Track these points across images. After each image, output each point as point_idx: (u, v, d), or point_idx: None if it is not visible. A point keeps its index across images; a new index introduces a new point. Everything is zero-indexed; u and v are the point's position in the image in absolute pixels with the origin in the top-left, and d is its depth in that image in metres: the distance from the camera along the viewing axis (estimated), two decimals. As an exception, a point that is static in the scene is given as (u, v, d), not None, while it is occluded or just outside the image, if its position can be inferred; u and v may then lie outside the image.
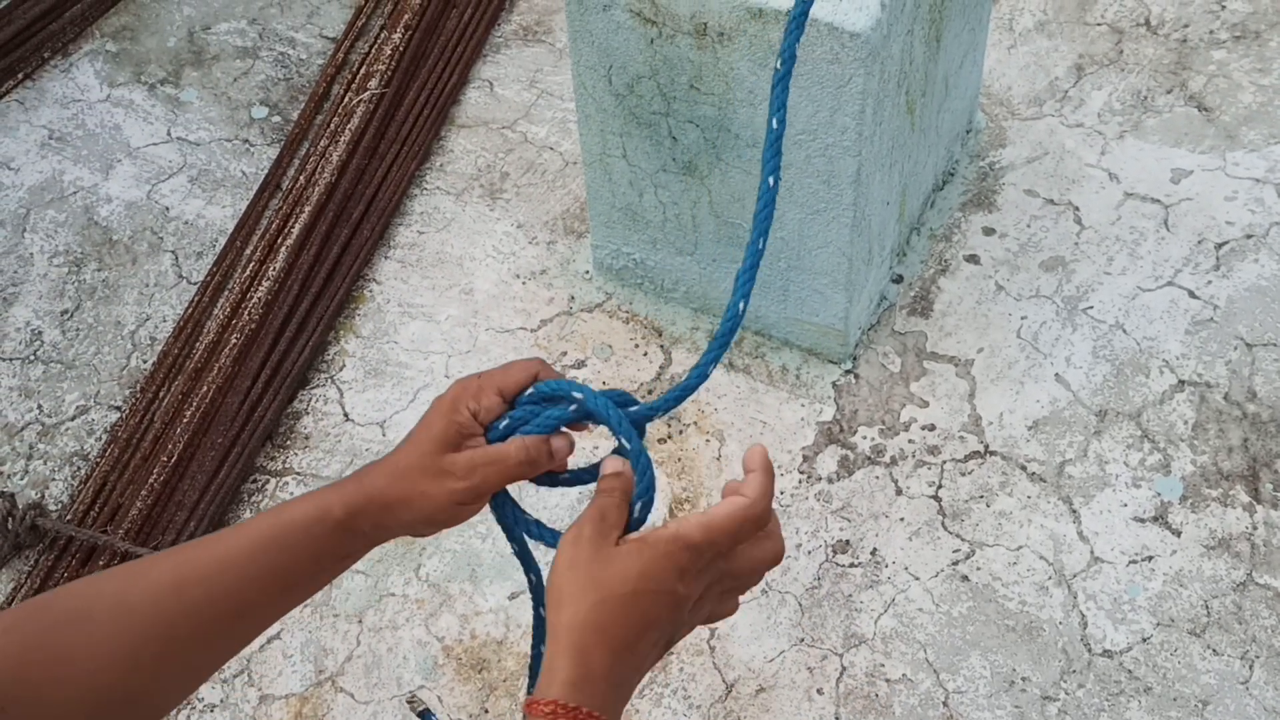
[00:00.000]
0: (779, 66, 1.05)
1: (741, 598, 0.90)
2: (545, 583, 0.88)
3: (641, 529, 0.89)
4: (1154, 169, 2.49)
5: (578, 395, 0.93)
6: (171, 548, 0.90)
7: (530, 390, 0.95)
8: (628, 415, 0.94)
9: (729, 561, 0.85)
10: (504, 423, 0.94)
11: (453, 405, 0.92)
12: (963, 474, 2.10)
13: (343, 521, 0.89)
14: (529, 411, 0.94)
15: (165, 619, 0.83)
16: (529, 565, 1.03)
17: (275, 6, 3.01)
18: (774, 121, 1.06)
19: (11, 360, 2.39)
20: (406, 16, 2.85)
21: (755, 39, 1.84)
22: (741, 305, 1.00)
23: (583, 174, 2.27)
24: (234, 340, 2.32)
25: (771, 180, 1.05)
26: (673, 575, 0.81)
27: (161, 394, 2.29)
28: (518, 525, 0.99)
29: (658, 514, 2.09)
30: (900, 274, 2.37)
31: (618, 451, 0.95)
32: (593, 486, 0.94)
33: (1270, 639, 1.90)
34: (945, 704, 1.87)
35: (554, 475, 0.98)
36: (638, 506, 0.93)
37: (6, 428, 2.29)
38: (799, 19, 1.03)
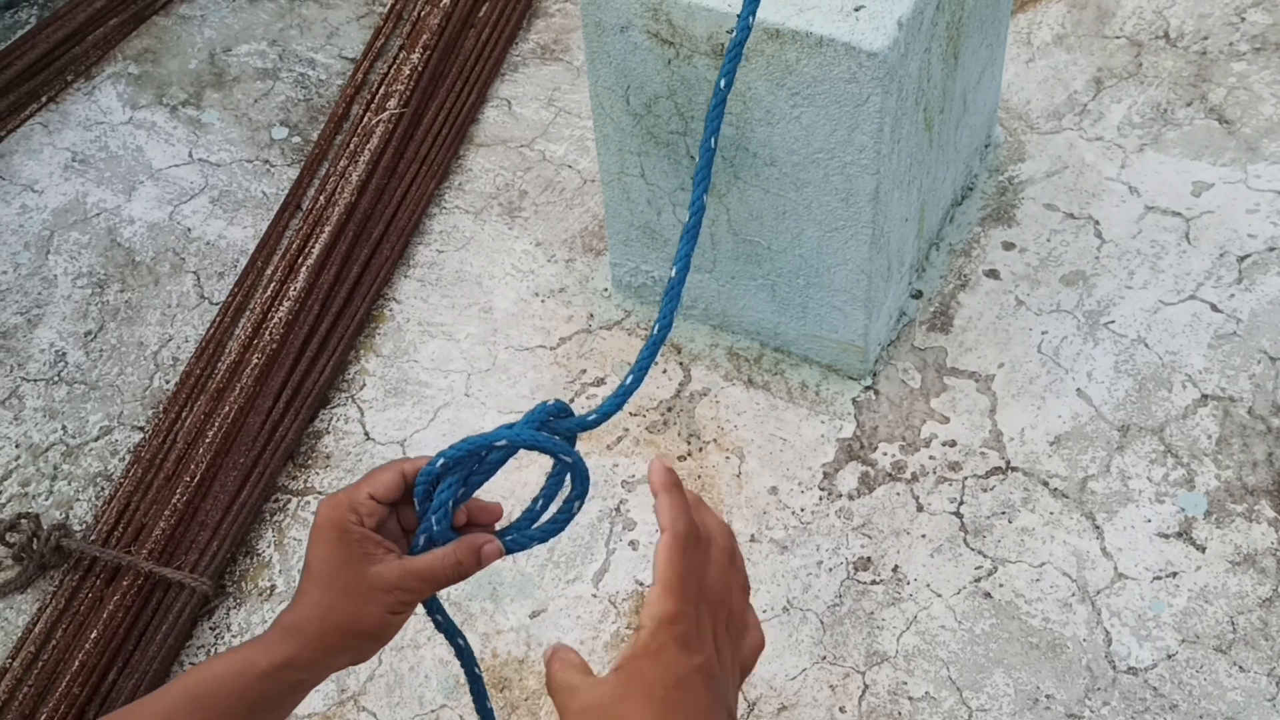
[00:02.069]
0: (721, 86, 1.11)
1: (759, 626, 0.87)
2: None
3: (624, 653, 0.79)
4: (1175, 182, 2.48)
5: (501, 443, 0.93)
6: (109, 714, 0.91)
7: (442, 461, 0.93)
8: (564, 427, 0.97)
9: (710, 598, 0.80)
10: (444, 493, 0.94)
11: (340, 528, 0.90)
12: (984, 490, 2.10)
13: (268, 672, 0.89)
14: (454, 480, 0.94)
15: None
16: (453, 633, 1.08)
17: (295, 28, 3.03)
18: (711, 142, 1.11)
19: (36, 381, 2.41)
20: (425, 36, 2.87)
21: (772, 59, 1.85)
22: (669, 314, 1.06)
23: (601, 192, 2.27)
24: (255, 360, 2.34)
25: (704, 199, 1.12)
26: (678, 654, 0.75)
27: (184, 414, 2.30)
28: (438, 612, 1.05)
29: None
30: (920, 289, 2.36)
31: (560, 466, 0.97)
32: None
33: (1297, 656, 1.89)
34: (969, 722, 1.86)
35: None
36: (575, 505, 0.98)
37: (31, 448, 2.31)
38: (737, 47, 1.10)
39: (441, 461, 0.93)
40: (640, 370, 1.05)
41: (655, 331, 1.05)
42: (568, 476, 0.99)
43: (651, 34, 1.93)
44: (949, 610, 1.97)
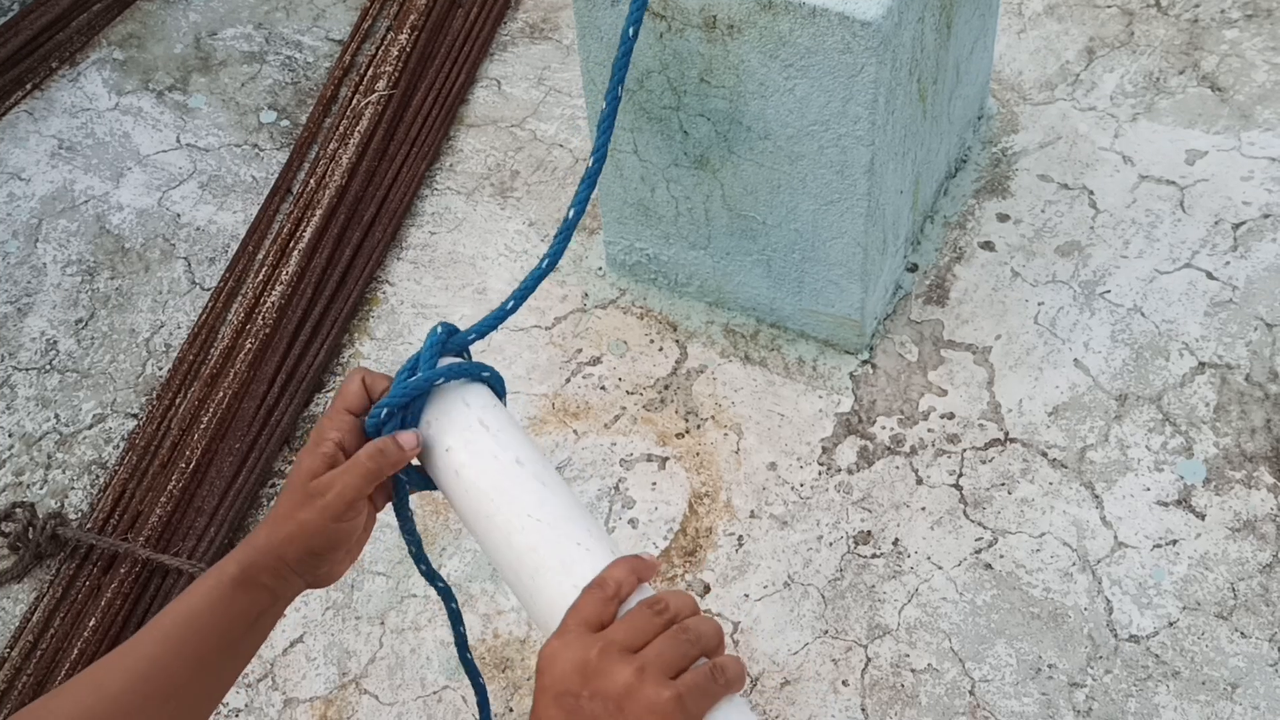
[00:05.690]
0: (630, 34, 1.45)
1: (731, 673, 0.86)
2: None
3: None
4: (1168, 151, 2.47)
5: (439, 382, 1.02)
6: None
7: (386, 410, 0.99)
8: (455, 344, 1.06)
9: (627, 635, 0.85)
10: (374, 419, 0.99)
11: (315, 442, 0.97)
12: (983, 462, 2.09)
13: (238, 578, 0.92)
14: (394, 425, 1.00)
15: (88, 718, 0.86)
16: (434, 578, 1.14)
17: (281, 10, 3.01)
18: (630, 31, 1.42)
19: (28, 370, 2.39)
20: (413, 17, 2.85)
21: (765, 31, 1.83)
22: (572, 213, 1.21)
23: (594, 170, 2.26)
24: (249, 345, 2.32)
25: (619, 89, 1.40)
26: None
27: (178, 400, 2.29)
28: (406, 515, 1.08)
29: (676, 509, 2.08)
30: (915, 262, 2.35)
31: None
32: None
33: (1298, 621, 1.89)
34: (972, 693, 1.86)
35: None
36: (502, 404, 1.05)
37: (25, 438, 2.29)
38: None
39: (386, 410, 0.98)
40: (520, 295, 1.15)
41: (543, 265, 1.15)
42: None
43: (642, 8, 1.91)
44: (950, 582, 1.97)
